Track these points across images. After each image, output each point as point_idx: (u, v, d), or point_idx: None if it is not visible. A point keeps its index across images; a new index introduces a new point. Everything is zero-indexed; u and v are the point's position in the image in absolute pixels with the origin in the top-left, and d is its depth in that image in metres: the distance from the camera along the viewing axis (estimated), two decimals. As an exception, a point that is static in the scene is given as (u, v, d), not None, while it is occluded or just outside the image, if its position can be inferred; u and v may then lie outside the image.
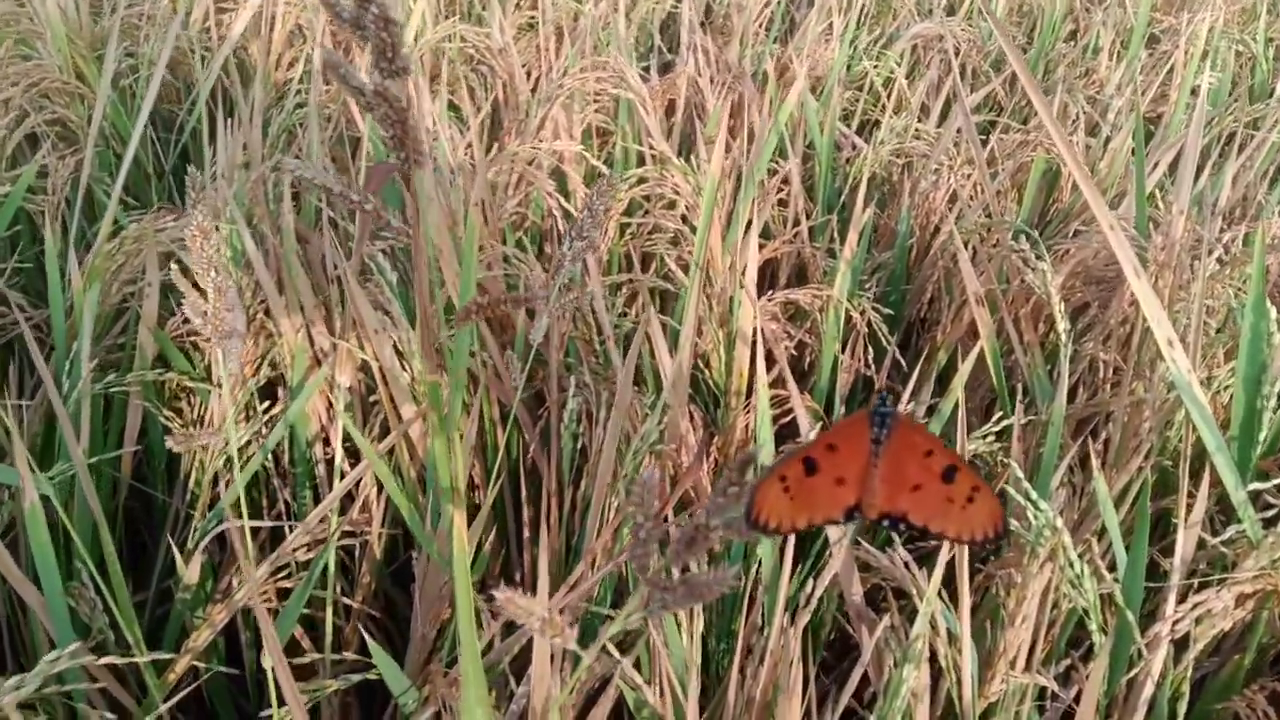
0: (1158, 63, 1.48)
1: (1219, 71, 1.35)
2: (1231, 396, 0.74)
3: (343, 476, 0.67)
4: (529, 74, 1.36)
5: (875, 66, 1.43)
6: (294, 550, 0.61)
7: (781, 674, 0.56)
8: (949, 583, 0.60)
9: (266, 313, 0.78)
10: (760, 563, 0.64)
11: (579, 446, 0.73)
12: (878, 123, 1.35)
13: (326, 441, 0.77)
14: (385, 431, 0.72)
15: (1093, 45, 1.58)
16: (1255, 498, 0.64)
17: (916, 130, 1.21)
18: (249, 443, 0.78)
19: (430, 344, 0.34)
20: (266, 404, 0.74)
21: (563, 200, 0.93)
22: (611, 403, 0.68)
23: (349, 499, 0.71)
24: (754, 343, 0.71)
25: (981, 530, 0.36)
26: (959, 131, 1.14)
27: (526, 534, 0.68)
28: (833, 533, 0.62)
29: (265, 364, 0.75)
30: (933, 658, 0.59)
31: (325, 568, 0.65)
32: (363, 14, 0.29)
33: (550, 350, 0.77)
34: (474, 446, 0.79)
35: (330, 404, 0.75)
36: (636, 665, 0.57)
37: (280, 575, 0.63)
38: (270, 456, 0.79)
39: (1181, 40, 1.35)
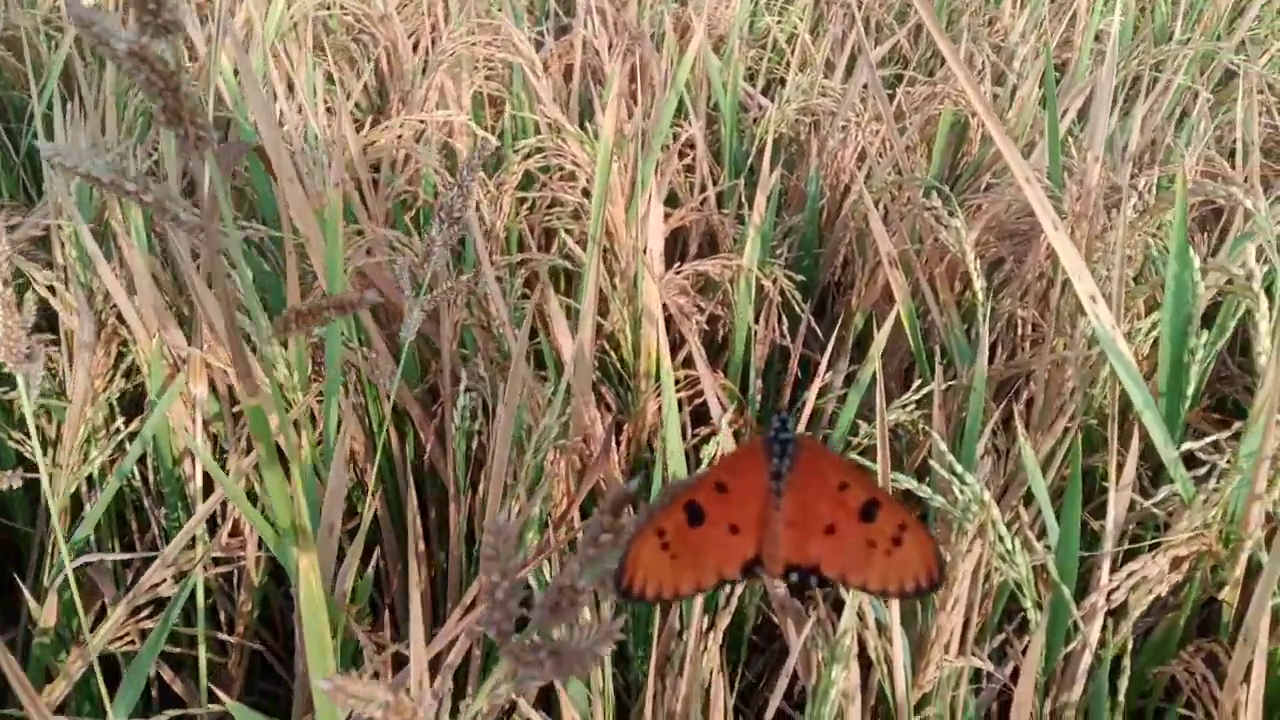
0: (1060, 9, 1.46)
1: (1121, 16, 1.33)
2: (1153, 347, 0.72)
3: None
4: (415, 44, 1.27)
5: (778, 22, 1.39)
6: (153, 586, 0.54)
7: (704, 680, 0.51)
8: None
9: (120, 318, 0.70)
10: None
11: (477, 445, 0.67)
12: (783, 80, 1.31)
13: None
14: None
15: (995, -7, 1.56)
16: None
17: (823, 87, 1.16)
18: (114, 462, 0.70)
19: (242, 360, 0.29)
20: (124, 420, 0.67)
21: (450, 176, 0.87)
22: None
23: (225, 519, 0.65)
24: (659, 321, 0.66)
25: (912, 579, 0.29)
26: (865, 87, 1.10)
27: (422, 546, 0.62)
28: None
29: (120, 375, 0.68)
30: (862, 649, 0.55)
31: (198, 600, 0.58)
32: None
33: (442, 340, 0.71)
34: (364, 449, 0.73)
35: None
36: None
37: (144, 615, 0.56)
38: (139, 476, 0.72)
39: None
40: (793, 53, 1.30)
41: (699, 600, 0.53)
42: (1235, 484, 0.57)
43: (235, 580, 0.64)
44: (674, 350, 0.89)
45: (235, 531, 0.62)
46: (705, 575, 0.29)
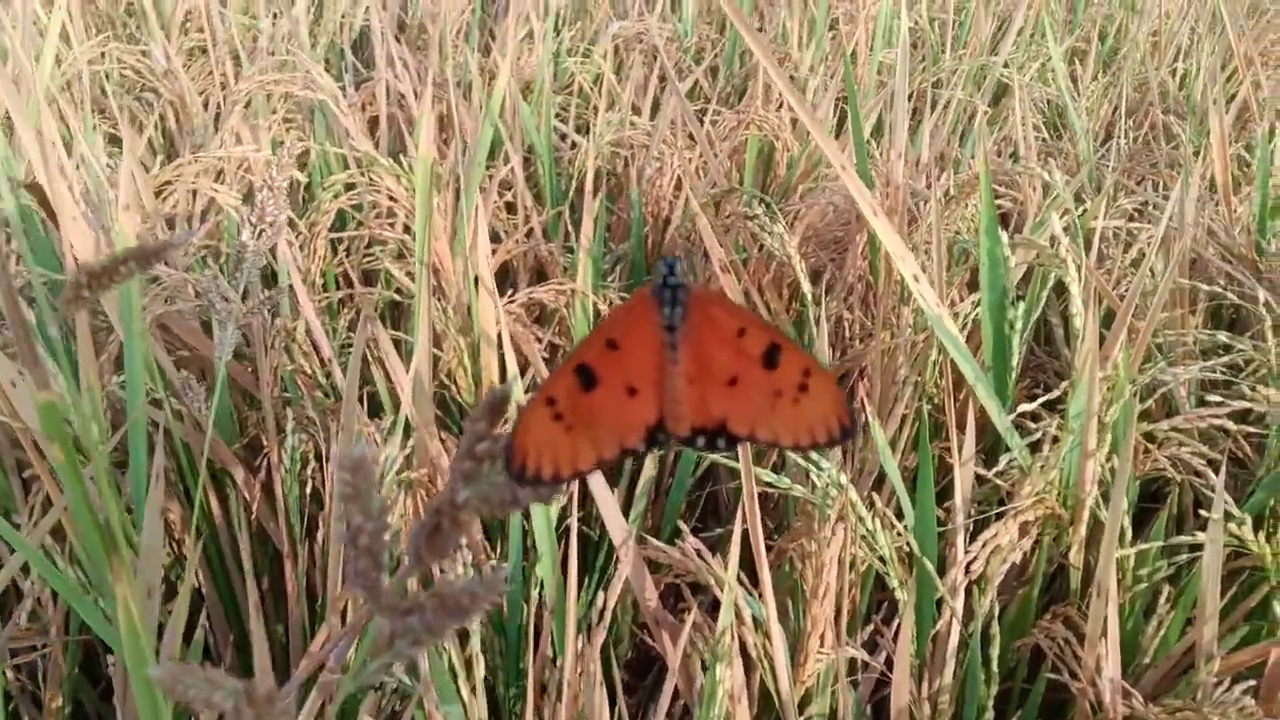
0: (840, 45, 1.56)
1: (897, 45, 1.43)
2: (973, 329, 0.75)
3: None
4: (206, 102, 1.21)
5: (582, 63, 1.41)
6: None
7: (585, 703, 0.48)
8: (742, 564, 0.55)
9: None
10: (541, 583, 0.56)
11: (309, 491, 0.62)
12: (590, 126, 1.32)
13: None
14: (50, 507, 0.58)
15: (780, 34, 1.64)
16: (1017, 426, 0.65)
17: (632, 122, 1.18)
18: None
19: (27, 345, 0.24)
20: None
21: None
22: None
23: (19, 600, 0.56)
24: (498, 343, 0.64)
25: (824, 429, 0.27)
26: (674, 123, 1.12)
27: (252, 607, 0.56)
28: (616, 533, 0.55)
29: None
30: (742, 649, 0.54)
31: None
32: None
33: (262, 386, 0.66)
34: (179, 519, 0.66)
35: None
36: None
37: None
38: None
39: (861, 19, 1.42)
40: (599, 94, 1.32)
41: (571, 620, 0.50)
42: (1068, 446, 0.60)
43: (39, 675, 0.56)
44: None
45: (34, 617, 0.54)
46: (605, 445, 0.26)
